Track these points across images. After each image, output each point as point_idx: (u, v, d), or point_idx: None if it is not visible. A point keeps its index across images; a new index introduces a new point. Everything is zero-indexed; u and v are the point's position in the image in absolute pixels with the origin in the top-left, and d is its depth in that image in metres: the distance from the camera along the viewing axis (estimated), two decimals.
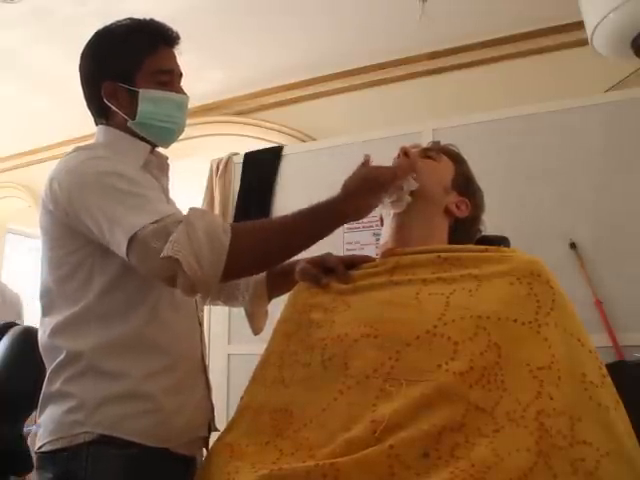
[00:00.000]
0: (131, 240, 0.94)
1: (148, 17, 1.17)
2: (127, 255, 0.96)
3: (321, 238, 1.04)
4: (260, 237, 1.03)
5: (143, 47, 1.12)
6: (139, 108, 1.12)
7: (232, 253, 0.95)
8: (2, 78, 3.03)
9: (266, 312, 1.35)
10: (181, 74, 1.18)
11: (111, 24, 1.16)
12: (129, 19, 1.16)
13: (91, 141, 1.20)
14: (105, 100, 1.12)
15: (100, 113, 1.17)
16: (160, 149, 1.22)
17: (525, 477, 0.75)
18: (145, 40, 1.13)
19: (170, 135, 1.19)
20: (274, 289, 1.32)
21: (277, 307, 1.20)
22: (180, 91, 1.17)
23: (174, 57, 1.17)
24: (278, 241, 1.03)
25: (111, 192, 1.00)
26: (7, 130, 3.63)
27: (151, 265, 0.95)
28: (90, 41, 1.17)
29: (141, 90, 1.11)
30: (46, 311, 1.10)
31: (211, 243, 0.95)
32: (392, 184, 1.06)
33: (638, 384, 1.37)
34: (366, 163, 1.08)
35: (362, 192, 1.03)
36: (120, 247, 0.96)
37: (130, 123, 1.13)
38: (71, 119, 3.17)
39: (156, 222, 0.95)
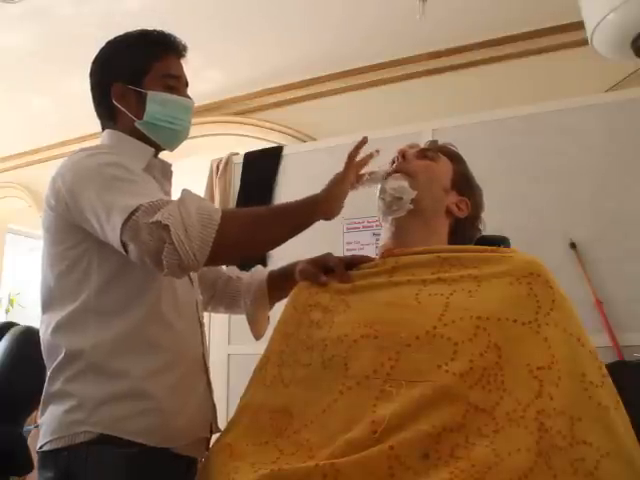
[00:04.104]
0: (126, 221, 0.95)
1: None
2: (121, 235, 0.95)
3: (299, 230, 1.07)
4: (248, 220, 1.05)
5: (152, 53, 1.17)
6: (146, 109, 1.14)
7: (221, 230, 0.96)
8: (2, 78, 3.02)
9: (267, 318, 1.36)
10: (187, 83, 1.22)
11: (123, 34, 1.21)
12: (140, 30, 1.21)
13: (93, 142, 1.21)
14: (114, 101, 1.15)
15: (108, 116, 1.19)
16: (162, 154, 1.24)
17: (525, 477, 0.75)
18: (155, 47, 1.18)
19: (175, 137, 1.21)
20: (275, 292, 1.32)
21: (277, 307, 1.20)
22: (186, 96, 1.21)
23: (181, 66, 1.21)
24: (264, 225, 1.05)
25: (109, 179, 1.01)
26: (7, 130, 3.62)
27: (142, 238, 0.94)
28: (102, 48, 1.21)
29: (149, 92, 1.15)
30: (45, 308, 1.11)
31: (201, 217, 0.95)
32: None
33: (638, 384, 1.37)
34: (360, 144, 1.12)
35: (340, 198, 1.09)
36: (115, 231, 0.96)
37: (137, 123, 1.15)
38: (71, 119, 3.18)
39: (150, 202, 0.96)
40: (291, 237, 1.06)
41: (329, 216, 1.09)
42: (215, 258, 0.97)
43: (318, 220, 1.08)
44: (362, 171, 1.16)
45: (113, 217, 0.97)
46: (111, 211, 0.97)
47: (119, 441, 1.00)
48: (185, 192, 1.00)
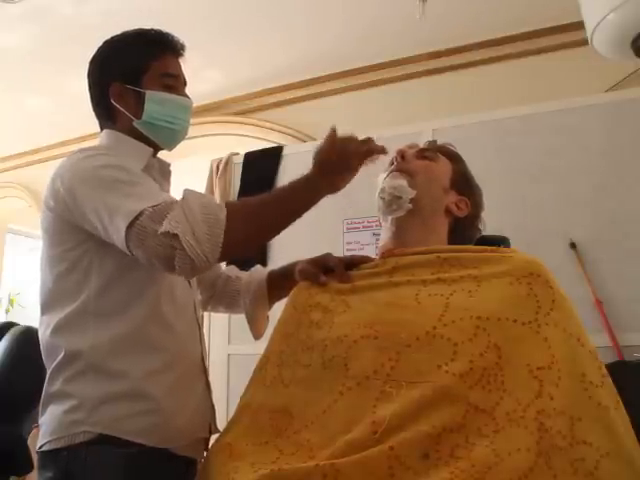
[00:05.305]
0: (130, 225, 0.95)
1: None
2: (126, 241, 0.96)
3: (304, 212, 1.07)
4: (253, 212, 1.05)
5: (151, 52, 1.16)
6: (145, 108, 1.14)
7: (228, 228, 0.97)
8: (2, 78, 3.03)
9: (267, 317, 1.36)
10: (186, 82, 1.22)
11: (120, 33, 1.21)
12: (137, 29, 1.20)
13: (92, 142, 1.21)
14: (112, 101, 1.15)
15: (106, 116, 1.19)
16: (162, 154, 1.24)
17: (525, 477, 0.75)
18: (153, 46, 1.17)
19: (174, 136, 1.20)
20: (274, 291, 1.32)
21: (277, 307, 1.20)
22: (185, 96, 1.21)
23: (179, 65, 1.21)
24: (270, 215, 1.06)
25: (110, 182, 1.01)
26: (7, 130, 3.62)
27: (149, 245, 0.95)
28: (99, 47, 1.21)
29: (147, 91, 1.14)
30: (44, 309, 1.11)
31: (207, 218, 0.96)
32: (364, 160, 1.10)
33: (638, 384, 1.37)
34: (332, 135, 1.09)
35: (336, 169, 1.08)
36: (119, 233, 0.97)
37: (135, 122, 1.15)
38: (71, 119, 3.18)
39: (153, 206, 0.97)
40: (295, 219, 1.07)
41: (333, 190, 1.09)
42: (226, 255, 0.99)
43: (321, 197, 1.08)
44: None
45: (116, 220, 0.97)
46: (114, 214, 0.98)
47: (118, 441, 1.01)
48: (187, 192, 1.01)
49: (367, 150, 1.09)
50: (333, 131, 1.09)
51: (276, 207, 1.07)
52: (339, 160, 1.07)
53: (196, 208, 0.96)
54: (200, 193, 1.03)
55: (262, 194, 1.07)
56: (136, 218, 0.95)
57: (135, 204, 0.97)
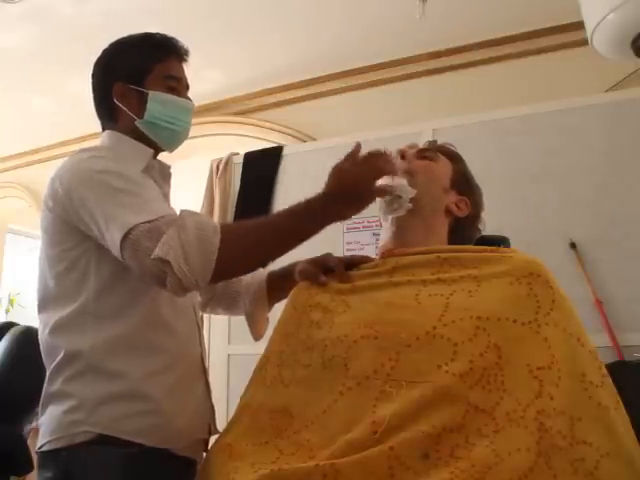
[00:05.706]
0: (124, 238, 0.96)
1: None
2: (121, 250, 0.97)
3: (307, 238, 1.04)
4: (249, 238, 1.04)
5: (155, 54, 1.18)
6: (147, 108, 1.15)
7: (222, 254, 0.97)
8: (2, 78, 3.03)
9: (267, 319, 1.36)
10: (188, 86, 1.23)
11: (126, 36, 1.22)
12: (143, 32, 1.21)
13: (93, 142, 1.21)
14: (115, 100, 1.16)
15: (108, 116, 1.19)
16: (162, 154, 1.24)
17: (525, 477, 0.75)
18: (158, 49, 1.19)
19: (175, 137, 1.21)
20: (274, 292, 1.32)
21: (277, 307, 1.20)
22: (187, 99, 1.22)
23: (183, 69, 1.22)
24: (266, 241, 1.04)
25: (109, 189, 1.02)
26: (7, 130, 3.62)
27: (142, 264, 0.96)
28: (104, 49, 1.22)
29: (150, 92, 1.15)
30: (42, 307, 1.11)
31: (201, 245, 0.96)
32: (374, 198, 1.06)
33: (638, 384, 1.37)
34: (355, 152, 1.05)
35: (345, 200, 1.04)
36: (114, 243, 0.98)
37: (137, 122, 1.16)
38: (71, 119, 3.19)
39: (149, 222, 0.97)
40: (296, 245, 1.05)
41: (340, 219, 1.06)
42: (217, 279, 1.00)
43: (326, 225, 1.05)
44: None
45: (111, 229, 0.98)
46: (110, 222, 0.98)
47: (118, 441, 1.01)
48: (183, 213, 1.00)
49: (380, 190, 1.05)
50: (358, 146, 1.05)
51: (272, 232, 1.04)
52: (353, 188, 1.03)
53: (191, 233, 0.96)
54: (196, 214, 1.02)
55: (259, 217, 1.05)
56: (129, 232, 0.96)
57: (130, 217, 0.97)
